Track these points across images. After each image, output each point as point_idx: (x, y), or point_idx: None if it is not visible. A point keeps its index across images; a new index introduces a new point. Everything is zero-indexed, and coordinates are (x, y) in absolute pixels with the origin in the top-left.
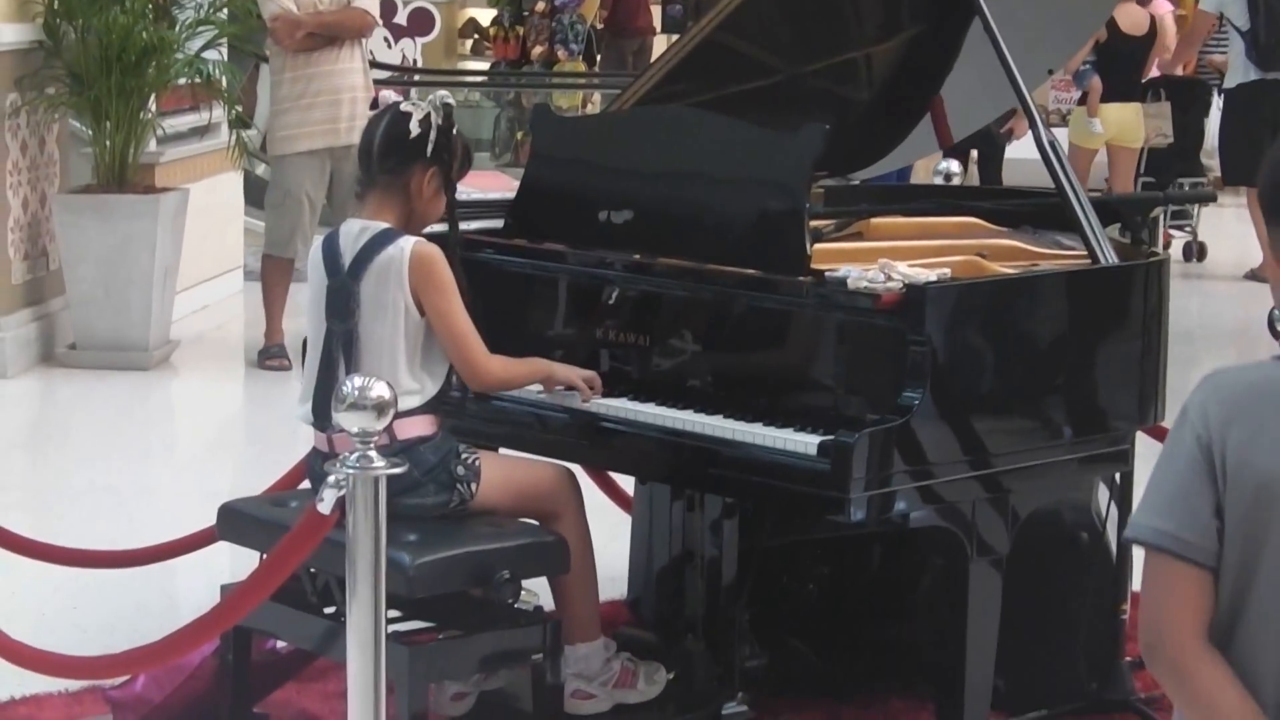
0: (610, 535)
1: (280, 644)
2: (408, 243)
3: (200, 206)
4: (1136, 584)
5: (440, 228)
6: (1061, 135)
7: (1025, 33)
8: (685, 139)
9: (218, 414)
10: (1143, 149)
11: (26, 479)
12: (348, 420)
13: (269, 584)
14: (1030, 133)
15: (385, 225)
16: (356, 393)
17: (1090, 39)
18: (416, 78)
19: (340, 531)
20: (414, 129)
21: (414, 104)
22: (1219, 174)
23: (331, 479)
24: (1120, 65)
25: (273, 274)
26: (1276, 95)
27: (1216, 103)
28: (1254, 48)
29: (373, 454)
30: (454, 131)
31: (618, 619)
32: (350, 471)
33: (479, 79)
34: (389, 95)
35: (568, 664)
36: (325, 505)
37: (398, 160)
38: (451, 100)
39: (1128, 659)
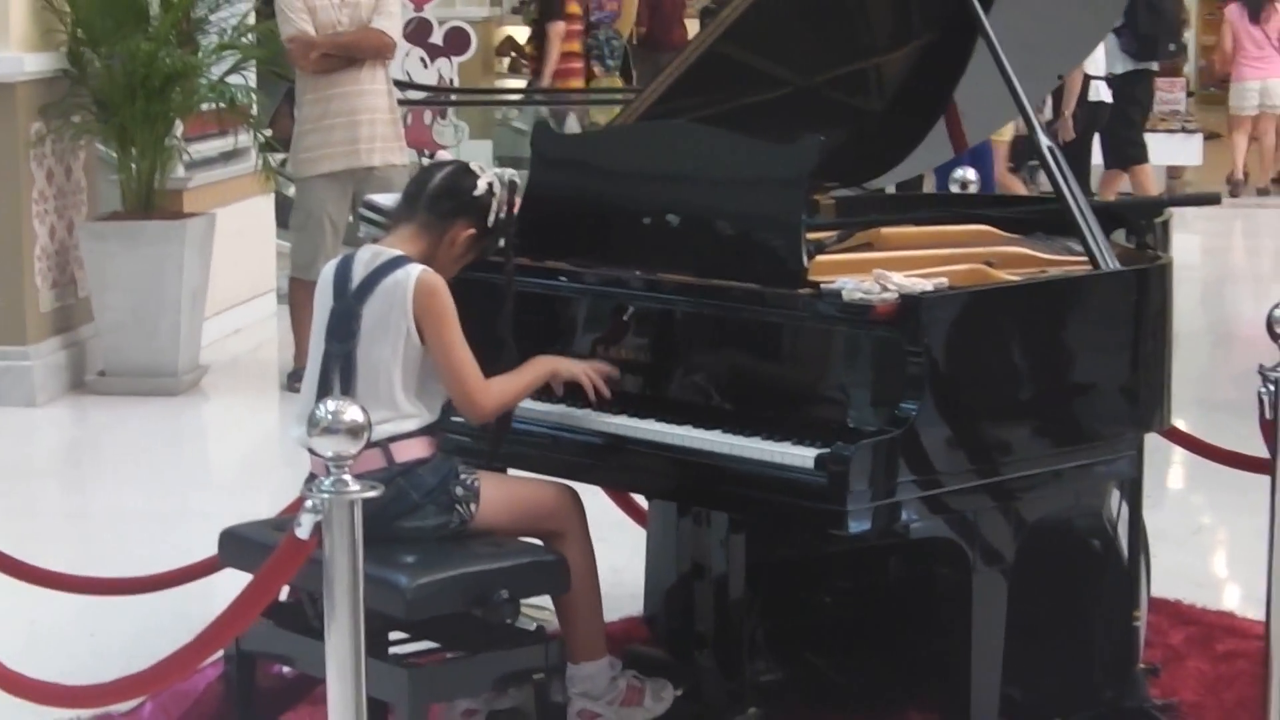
0: (633, 551)
1: (287, 668)
2: (415, 269)
3: (231, 230)
4: (1149, 590)
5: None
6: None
7: (1034, 37)
8: (682, 153)
9: (248, 438)
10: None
11: (57, 506)
12: (321, 445)
13: (252, 609)
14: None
15: (398, 253)
16: (330, 417)
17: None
18: (453, 97)
19: None
20: (480, 187)
21: (482, 168)
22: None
23: (308, 503)
24: None
25: (299, 296)
26: (1148, 82)
27: None
28: (1133, 39)
29: (347, 478)
30: (513, 212)
31: (634, 635)
32: (325, 496)
33: (516, 97)
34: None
35: (573, 683)
36: (303, 530)
37: (451, 207)
38: (519, 181)
39: (1142, 666)
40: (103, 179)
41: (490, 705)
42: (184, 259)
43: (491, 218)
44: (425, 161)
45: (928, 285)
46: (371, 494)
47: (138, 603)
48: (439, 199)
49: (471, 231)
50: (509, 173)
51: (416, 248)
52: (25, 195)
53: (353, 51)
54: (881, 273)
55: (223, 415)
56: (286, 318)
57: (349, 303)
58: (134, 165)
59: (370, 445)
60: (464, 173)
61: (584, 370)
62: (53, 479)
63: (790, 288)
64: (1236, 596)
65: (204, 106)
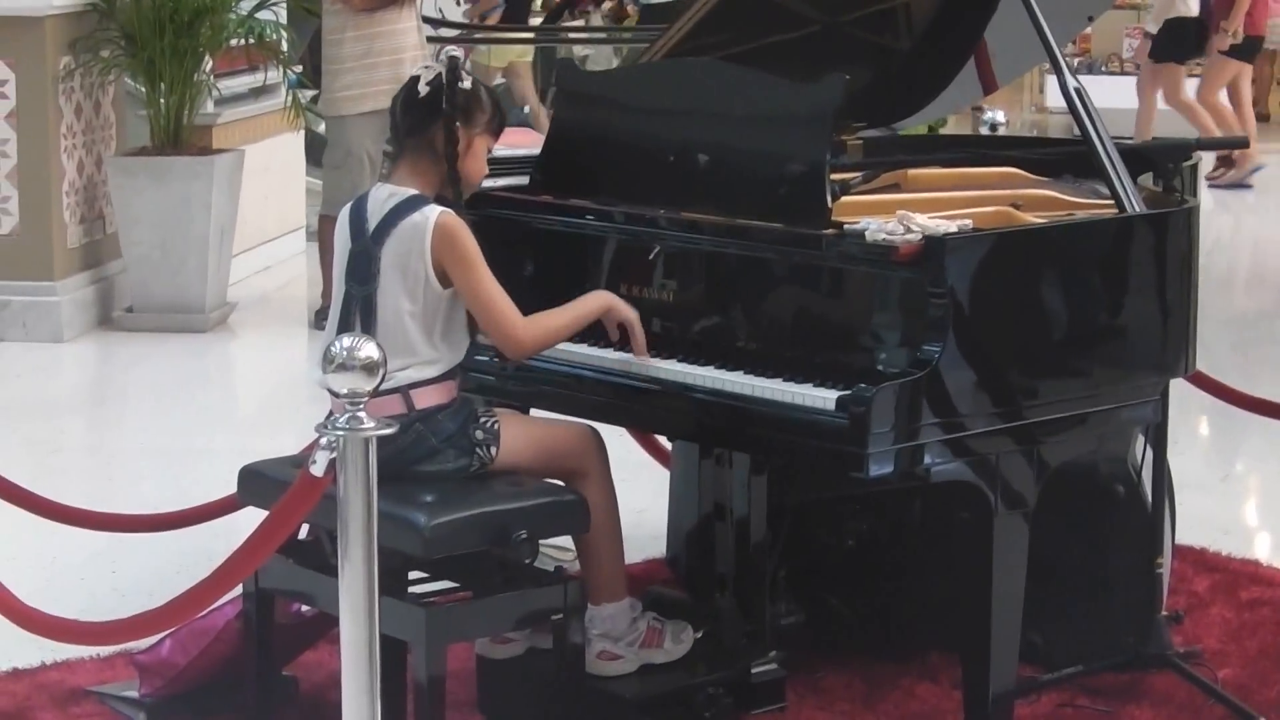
0: (656, 492)
1: (306, 607)
2: (433, 212)
3: (261, 167)
4: (1174, 537)
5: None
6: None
7: None
8: (707, 91)
9: (275, 375)
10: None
11: (82, 442)
12: (336, 382)
13: (268, 545)
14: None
15: (413, 191)
16: (345, 353)
17: None
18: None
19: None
20: (423, 89)
21: (424, 67)
22: None
23: (323, 440)
24: None
25: (329, 234)
26: None
27: None
28: None
29: (362, 414)
30: (470, 84)
31: (657, 576)
32: (340, 433)
33: (545, 35)
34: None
35: (593, 624)
36: (318, 467)
37: (415, 121)
38: (458, 53)
39: (1165, 613)
40: (131, 114)
41: (531, 641)
42: (212, 195)
43: (445, 102)
44: None
45: (952, 227)
46: (386, 431)
47: (160, 540)
48: (404, 119)
49: (455, 125)
50: (447, 49)
51: (423, 176)
52: (54, 130)
53: None
54: (905, 214)
55: (249, 352)
56: (315, 255)
57: (367, 244)
58: (162, 100)
59: (390, 391)
60: (408, 86)
61: (638, 318)
62: (78, 415)
63: (814, 228)
64: (1264, 544)
65: (233, 42)
